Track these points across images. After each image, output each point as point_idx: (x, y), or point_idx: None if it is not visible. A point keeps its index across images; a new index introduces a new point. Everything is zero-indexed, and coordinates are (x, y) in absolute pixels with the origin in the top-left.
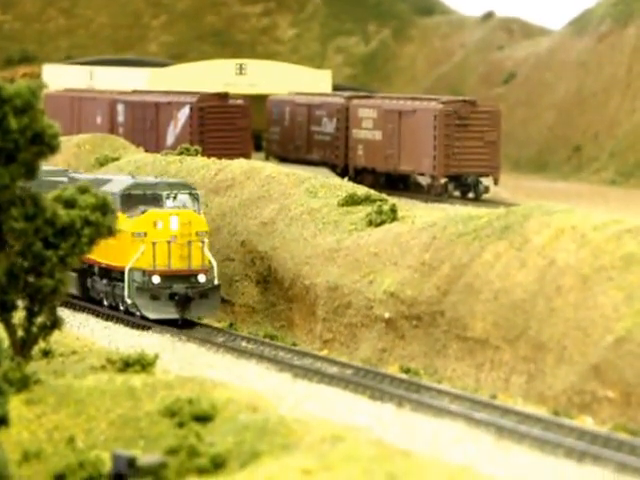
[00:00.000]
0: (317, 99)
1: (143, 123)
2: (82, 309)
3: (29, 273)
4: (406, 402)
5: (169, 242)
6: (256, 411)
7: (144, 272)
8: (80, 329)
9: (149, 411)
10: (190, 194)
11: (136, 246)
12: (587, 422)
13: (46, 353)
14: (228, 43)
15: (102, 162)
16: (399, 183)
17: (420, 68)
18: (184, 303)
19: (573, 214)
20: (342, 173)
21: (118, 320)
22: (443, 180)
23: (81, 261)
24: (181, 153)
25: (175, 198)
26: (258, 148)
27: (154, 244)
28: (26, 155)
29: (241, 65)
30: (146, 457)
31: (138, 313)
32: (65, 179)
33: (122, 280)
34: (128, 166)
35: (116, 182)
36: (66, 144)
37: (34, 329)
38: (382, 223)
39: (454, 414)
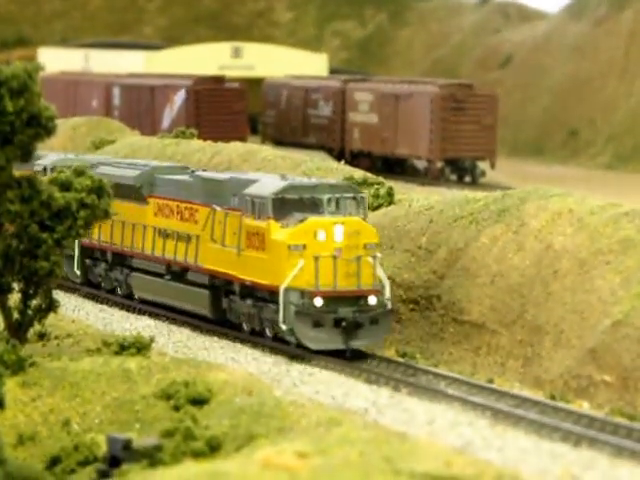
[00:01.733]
0: (313, 82)
1: (139, 106)
2: (77, 292)
3: (25, 256)
4: (402, 386)
5: (334, 257)
6: (252, 394)
7: (303, 293)
8: (76, 312)
9: (145, 394)
10: (354, 198)
11: (293, 261)
12: (584, 406)
13: (41, 336)
14: (224, 26)
15: (98, 145)
16: (396, 167)
17: (417, 52)
18: (351, 331)
19: (570, 198)
20: (338, 156)
21: (114, 303)
22: (440, 164)
23: (212, 275)
24: (177, 136)
25: (338, 203)
26: (254, 131)
27: (316, 259)
28: (22, 137)
29: (237, 48)
30: (141, 440)
31: (292, 340)
32: (186, 177)
33: (272, 301)
34: (124, 149)
35: (265, 183)
36: (62, 127)
37: (29, 312)
38: (379, 207)
39: (450, 398)
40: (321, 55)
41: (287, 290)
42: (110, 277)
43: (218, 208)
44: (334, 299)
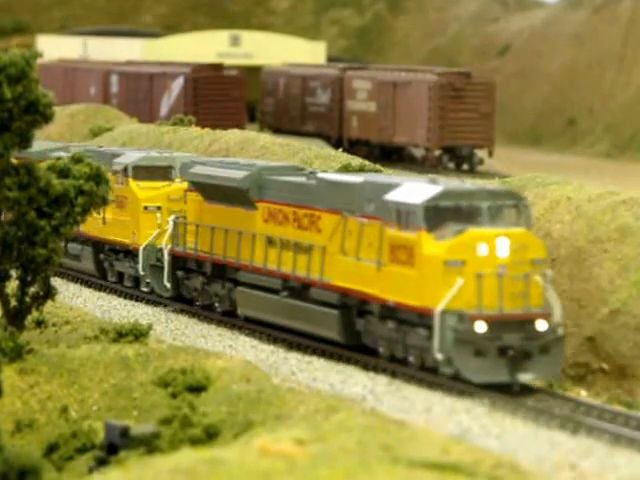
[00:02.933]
0: (311, 70)
1: (137, 94)
2: (75, 279)
3: (22, 243)
4: (399, 374)
5: (499, 275)
6: (249, 382)
7: (463, 316)
8: (73, 299)
9: (142, 381)
10: (516, 205)
11: (450, 279)
12: (582, 394)
13: (39, 323)
14: (222, 14)
15: (96, 132)
16: (393, 155)
17: (415, 40)
18: (519, 361)
19: (568, 185)
20: (336, 144)
21: (111, 291)
22: (437, 152)
23: (342, 293)
24: (175, 123)
25: (499, 212)
26: (252, 119)
27: (479, 277)
28: (20, 124)
29: (235, 36)
30: (139, 427)
31: (446, 372)
32: (303, 179)
33: (422, 325)
34: (122, 136)
35: (412, 189)
36: (60, 114)
37: (27, 299)
38: None
39: (447, 386)
40: (319, 43)
41: (443, 313)
42: (208, 291)
43: (350, 216)
44: (498, 324)
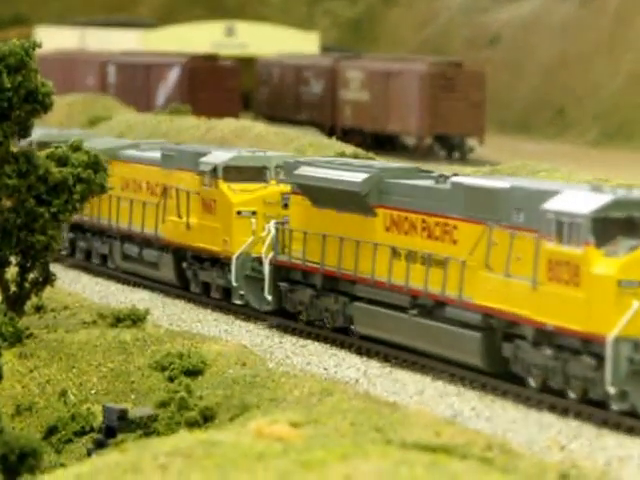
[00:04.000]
0: (305, 60)
1: (134, 83)
2: (73, 266)
3: (22, 229)
4: (391, 357)
5: None
6: (245, 365)
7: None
8: (72, 285)
9: (140, 365)
10: None
11: (625, 302)
12: None
13: (38, 308)
14: (217, 6)
15: (93, 121)
16: (386, 144)
17: (406, 31)
18: None
19: (558, 173)
20: (329, 133)
21: (109, 276)
22: (429, 140)
23: (486, 313)
24: (171, 113)
25: None
26: (247, 108)
27: None
28: (19, 113)
29: (230, 27)
30: (137, 410)
31: (620, 407)
32: (432, 182)
33: (590, 353)
34: (119, 125)
35: (574, 197)
36: (58, 104)
37: (27, 285)
38: None
39: (439, 369)
40: (312, 34)
41: (617, 341)
42: (317, 306)
43: (496, 226)
44: None
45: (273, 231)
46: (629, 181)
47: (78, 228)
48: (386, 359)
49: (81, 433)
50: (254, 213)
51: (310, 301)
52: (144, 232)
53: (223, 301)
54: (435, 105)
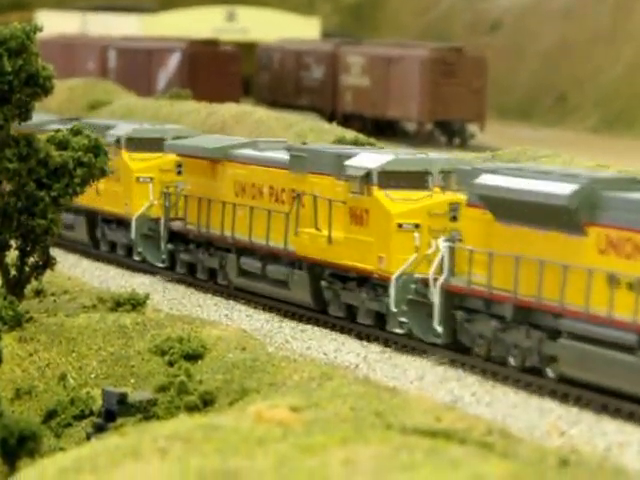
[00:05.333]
0: (306, 46)
1: (134, 69)
2: (73, 250)
3: (22, 213)
4: (392, 342)
5: None
6: (245, 350)
7: None
8: (72, 269)
9: (140, 349)
10: None
11: None
12: None
13: (38, 292)
14: None
15: (94, 106)
16: (387, 129)
17: (407, 16)
18: None
19: (558, 159)
20: (330, 118)
21: (109, 261)
22: (429, 126)
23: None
24: (172, 97)
25: None
26: (247, 93)
27: None
28: (20, 97)
29: (231, 12)
30: (136, 394)
31: None
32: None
33: None
34: (120, 109)
35: None
36: (59, 88)
37: (27, 269)
38: None
39: (439, 354)
40: (313, 19)
41: None
42: (503, 341)
43: None
44: None
45: (444, 249)
46: (629, 167)
47: (179, 238)
48: (386, 344)
49: (80, 417)
50: (417, 226)
51: (493, 335)
52: (269, 245)
53: (373, 327)
54: (436, 91)
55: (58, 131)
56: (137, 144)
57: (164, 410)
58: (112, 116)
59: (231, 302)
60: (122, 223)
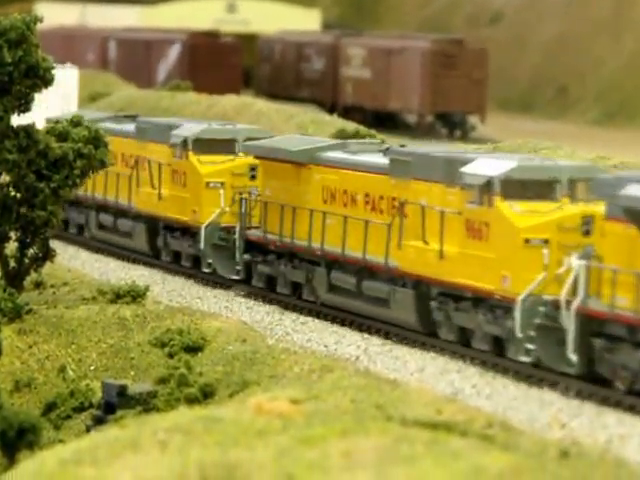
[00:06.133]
0: (306, 37)
1: (134, 60)
2: (73, 242)
3: (22, 205)
4: (392, 335)
5: None
6: (245, 342)
7: None
8: (71, 261)
9: (139, 341)
10: None
11: None
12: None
13: (38, 284)
14: None
15: (94, 97)
16: (387, 121)
17: (408, 8)
18: None
19: (560, 150)
20: (330, 110)
21: (109, 253)
22: (430, 118)
23: None
24: (172, 89)
25: None
26: (248, 85)
27: None
28: (20, 88)
29: (232, 3)
30: (136, 386)
31: None
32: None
33: None
34: (120, 101)
35: None
36: None
37: (26, 260)
38: None
39: (439, 347)
40: (314, 11)
41: None
42: None
43: None
44: None
45: (578, 268)
46: (631, 160)
47: (256, 248)
48: (387, 336)
49: (80, 409)
50: (546, 242)
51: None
52: (366, 258)
53: (492, 354)
54: (436, 83)
55: (58, 122)
56: (206, 146)
57: (164, 402)
58: (111, 108)
59: (231, 294)
60: (187, 231)
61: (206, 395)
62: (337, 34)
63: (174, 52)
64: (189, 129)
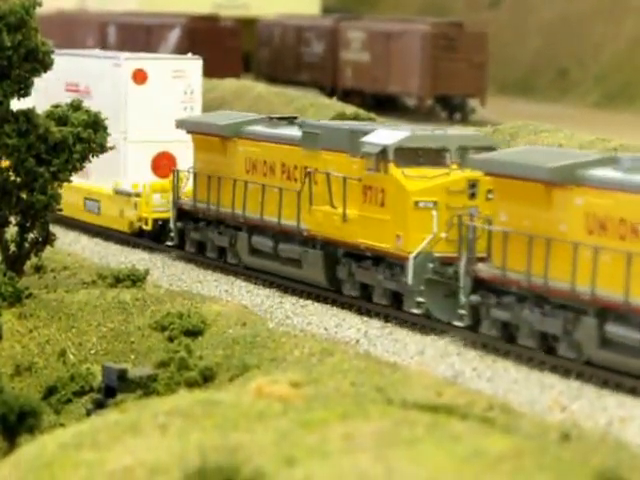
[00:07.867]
0: (306, 21)
1: (134, 44)
2: (74, 227)
3: (22, 189)
4: (392, 318)
5: None
6: (245, 326)
7: None
8: (71, 246)
9: (140, 325)
10: None
11: None
12: None
13: (38, 268)
14: None
15: None
16: (387, 105)
17: None
18: None
19: (560, 133)
20: (330, 94)
21: (108, 237)
22: (430, 101)
23: None
24: None
25: None
26: (247, 69)
27: None
28: (19, 72)
29: None
30: (136, 370)
31: None
32: None
33: None
34: None
35: None
36: None
37: (26, 245)
38: None
39: (439, 330)
40: None
41: None
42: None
43: None
44: None
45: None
46: (630, 142)
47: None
48: (386, 319)
49: (80, 393)
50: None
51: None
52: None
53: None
54: (436, 66)
55: (58, 106)
56: (413, 156)
57: (164, 386)
58: None
59: (231, 278)
60: (382, 261)
61: (206, 379)
62: (336, 18)
63: (174, 36)
64: (388, 136)
